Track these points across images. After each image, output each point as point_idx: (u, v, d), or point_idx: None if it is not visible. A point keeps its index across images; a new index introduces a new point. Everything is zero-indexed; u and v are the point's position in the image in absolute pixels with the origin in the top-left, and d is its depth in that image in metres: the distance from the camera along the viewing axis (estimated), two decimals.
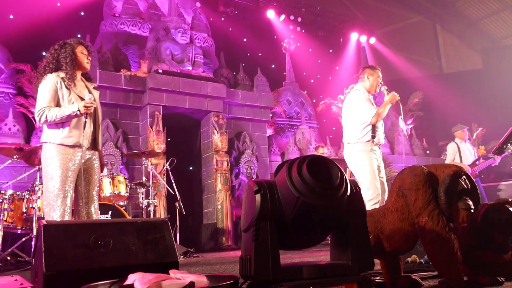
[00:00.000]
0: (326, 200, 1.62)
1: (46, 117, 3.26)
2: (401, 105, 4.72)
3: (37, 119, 3.31)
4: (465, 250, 2.19)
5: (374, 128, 4.44)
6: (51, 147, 3.32)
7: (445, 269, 1.97)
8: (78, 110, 3.26)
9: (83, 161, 3.38)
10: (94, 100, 3.44)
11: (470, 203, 2.05)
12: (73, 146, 3.34)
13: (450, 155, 7.15)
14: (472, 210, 2.05)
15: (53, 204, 3.25)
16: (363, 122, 4.42)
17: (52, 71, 3.40)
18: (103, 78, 7.85)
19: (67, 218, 3.27)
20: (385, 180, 4.52)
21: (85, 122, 3.33)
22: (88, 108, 3.27)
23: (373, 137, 4.42)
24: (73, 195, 3.35)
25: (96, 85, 3.71)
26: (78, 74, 3.53)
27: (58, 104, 3.35)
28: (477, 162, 7.07)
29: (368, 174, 4.32)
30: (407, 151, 11.78)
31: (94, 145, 3.49)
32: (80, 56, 3.47)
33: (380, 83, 4.68)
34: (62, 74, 3.38)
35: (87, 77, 3.65)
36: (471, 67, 14.15)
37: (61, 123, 3.33)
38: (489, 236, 2.26)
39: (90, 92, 3.48)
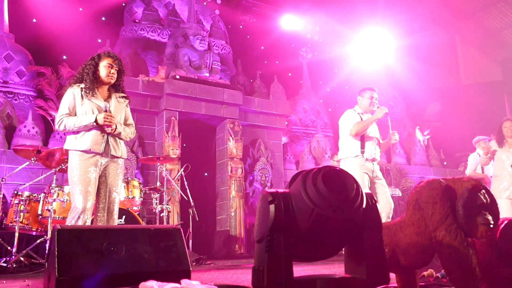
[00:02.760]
0: (341, 212, 1.59)
1: (64, 126, 3.41)
2: (389, 118, 4.79)
3: (56, 126, 3.48)
4: (484, 266, 2.14)
5: (363, 143, 4.56)
6: (71, 154, 3.45)
7: (463, 285, 1.93)
8: (96, 121, 3.36)
9: (96, 168, 3.43)
10: (111, 106, 3.54)
11: (489, 218, 2.00)
12: (91, 152, 3.40)
13: (471, 166, 7.03)
14: (491, 225, 2.00)
15: (73, 210, 3.33)
16: (350, 137, 4.59)
17: (76, 82, 3.56)
18: None
19: (85, 222, 3.32)
20: (384, 195, 4.52)
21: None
22: (107, 121, 3.38)
23: (362, 152, 4.53)
24: (93, 202, 3.41)
25: (125, 95, 3.73)
26: (104, 86, 3.60)
27: (76, 112, 3.48)
28: None
29: None
30: (424, 161, 11.63)
31: (109, 151, 3.49)
32: (102, 70, 3.54)
33: (374, 103, 4.76)
34: (82, 85, 3.51)
35: (117, 88, 3.70)
36: (490, 78, 13.94)
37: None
38: (509, 252, 2.20)
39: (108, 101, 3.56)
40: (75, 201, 3.35)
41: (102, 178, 3.50)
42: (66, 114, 3.43)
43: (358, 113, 4.73)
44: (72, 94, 3.48)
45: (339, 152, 4.80)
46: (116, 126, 3.46)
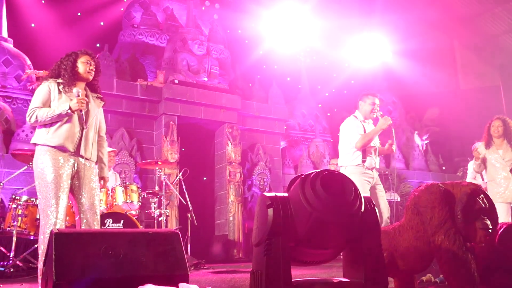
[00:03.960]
0: (339, 216, 1.59)
1: (36, 117, 3.25)
2: (393, 129, 4.77)
3: (27, 119, 3.31)
4: (482, 271, 2.14)
5: (365, 153, 4.58)
6: (41, 151, 3.28)
7: None
8: (70, 108, 3.24)
9: (69, 169, 3.31)
10: (87, 97, 3.43)
11: (488, 222, 2.00)
12: (63, 150, 3.27)
13: (471, 174, 7.00)
14: (490, 230, 2.00)
15: (45, 225, 3.18)
16: (352, 147, 4.59)
17: (52, 77, 3.46)
18: (119, 87, 7.93)
19: (59, 225, 3.17)
20: (383, 200, 4.60)
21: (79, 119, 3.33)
22: (82, 103, 3.27)
23: (364, 161, 4.56)
24: (67, 201, 3.28)
25: (101, 96, 3.65)
26: (81, 84, 3.49)
27: (49, 106, 3.34)
28: None
29: None
30: (423, 166, 11.63)
31: (85, 153, 3.39)
32: (81, 66, 3.46)
33: (375, 109, 4.75)
34: (60, 80, 3.41)
35: (93, 88, 3.62)
36: (488, 83, 13.96)
37: (49, 124, 3.29)
38: (508, 257, 2.20)
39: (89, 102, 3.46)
40: (47, 211, 3.16)
41: (78, 182, 3.36)
42: (38, 107, 3.30)
43: (360, 121, 4.72)
44: (48, 87, 3.36)
45: (339, 159, 4.81)
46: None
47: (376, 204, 4.49)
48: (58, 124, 3.30)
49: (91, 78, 3.53)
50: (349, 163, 4.60)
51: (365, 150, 4.58)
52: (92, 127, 3.50)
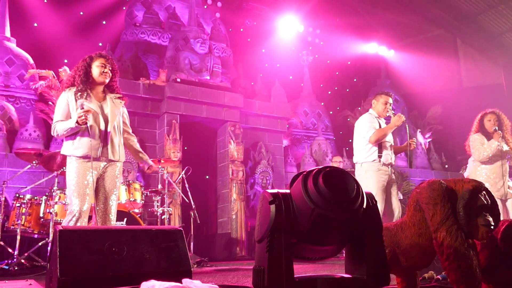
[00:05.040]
0: (341, 213, 1.60)
1: (56, 131, 3.41)
2: (407, 126, 4.80)
3: (53, 134, 3.48)
4: (484, 268, 2.14)
5: (380, 148, 4.58)
6: (69, 160, 3.43)
7: (463, 287, 1.92)
8: (76, 121, 3.28)
9: (94, 172, 3.39)
10: (107, 108, 3.49)
11: (490, 219, 2.00)
12: (87, 157, 3.35)
13: (470, 169, 7.00)
14: (492, 227, 2.00)
15: (70, 213, 3.31)
16: (367, 142, 4.59)
17: (68, 86, 3.52)
18: (122, 86, 7.83)
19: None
20: (396, 198, 4.63)
21: (88, 131, 3.34)
22: (82, 118, 3.27)
23: (380, 156, 4.55)
24: (89, 206, 3.39)
25: (120, 95, 3.67)
26: (98, 87, 3.55)
27: (71, 117, 3.43)
28: None
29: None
30: (425, 165, 11.62)
31: (107, 155, 3.45)
32: (95, 70, 3.49)
33: (388, 108, 4.78)
34: (74, 89, 3.46)
35: (112, 89, 3.64)
36: (492, 81, 13.93)
37: (73, 134, 3.40)
38: (510, 254, 2.20)
39: (111, 103, 3.53)
40: (71, 205, 3.33)
41: (101, 181, 3.48)
42: (59, 120, 3.40)
43: (375, 117, 4.73)
44: (66, 99, 3.43)
45: (354, 156, 4.78)
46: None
47: (389, 202, 4.51)
48: (80, 134, 3.39)
49: (107, 80, 3.55)
50: (365, 159, 4.58)
51: (381, 145, 4.58)
52: (116, 129, 3.54)
